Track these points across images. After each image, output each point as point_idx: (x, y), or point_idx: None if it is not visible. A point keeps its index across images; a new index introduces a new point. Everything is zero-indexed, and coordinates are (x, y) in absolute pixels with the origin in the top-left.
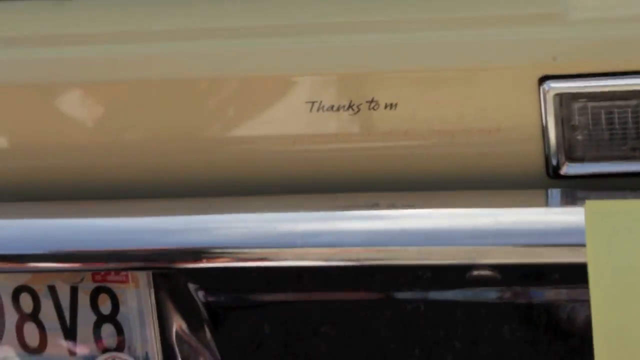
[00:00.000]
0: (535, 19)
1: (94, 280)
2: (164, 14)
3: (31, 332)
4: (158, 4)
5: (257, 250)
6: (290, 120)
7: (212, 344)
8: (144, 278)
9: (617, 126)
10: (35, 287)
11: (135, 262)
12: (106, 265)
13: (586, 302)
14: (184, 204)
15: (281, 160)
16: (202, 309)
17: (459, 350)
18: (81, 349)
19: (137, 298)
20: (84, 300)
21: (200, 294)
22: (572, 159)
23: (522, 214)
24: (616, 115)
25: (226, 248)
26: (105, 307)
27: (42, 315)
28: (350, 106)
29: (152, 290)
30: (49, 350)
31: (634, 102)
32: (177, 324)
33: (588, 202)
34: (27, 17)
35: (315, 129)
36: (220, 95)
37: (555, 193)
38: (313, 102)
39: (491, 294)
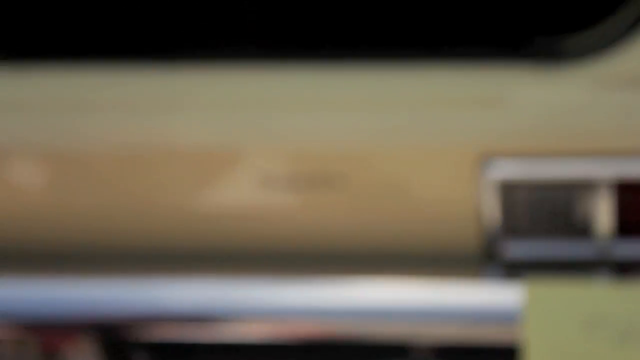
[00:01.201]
0: (475, 103)
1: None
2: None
3: None
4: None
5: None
6: (239, 195)
7: None
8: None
9: (556, 210)
10: None
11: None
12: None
13: None
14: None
15: (228, 233)
16: None
17: None
18: None
19: None
20: None
21: None
22: (510, 241)
23: (458, 292)
24: (555, 201)
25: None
26: None
27: None
28: (288, 182)
29: None
30: None
31: (572, 188)
32: None
33: (527, 284)
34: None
35: (253, 204)
36: (168, 168)
37: (493, 275)
38: (250, 176)
39: None
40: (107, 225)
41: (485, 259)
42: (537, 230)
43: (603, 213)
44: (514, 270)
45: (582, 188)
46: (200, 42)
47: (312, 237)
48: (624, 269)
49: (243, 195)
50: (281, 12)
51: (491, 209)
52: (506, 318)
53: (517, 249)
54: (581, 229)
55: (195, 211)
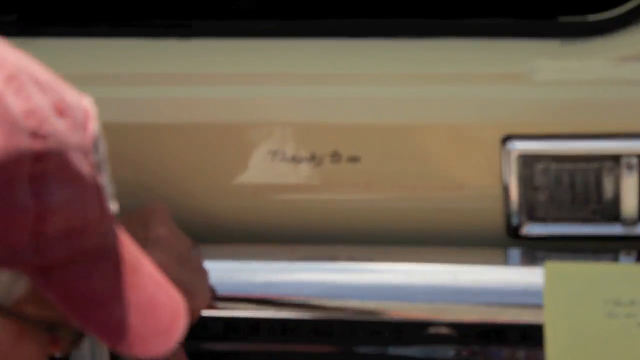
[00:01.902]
0: (500, 78)
1: None
2: None
3: None
4: None
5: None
6: (252, 170)
7: None
8: None
9: (579, 188)
10: None
11: None
12: None
13: None
14: None
15: (240, 209)
16: None
17: None
18: None
19: None
20: None
21: None
22: (533, 219)
23: (481, 272)
24: (578, 178)
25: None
26: None
27: None
28: (312, 158)
29: None
30: None
31: (595, 164)
32: None
33: (548, 263)
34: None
35: (277, 179)
36: (176, 141)
37: (514, 253)
38: (275, 152)
39: (448, 352)
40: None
41: (508, 238)
42: (562, 208)
43: (628, 189)
44: (536, 249)
45: (607, 164)
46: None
47: (334, 212)
48: None
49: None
50: None
51: (515, 186)
52: (527, 298)
53: (540, 228)
54: (606, 207)
55: (220, 183)
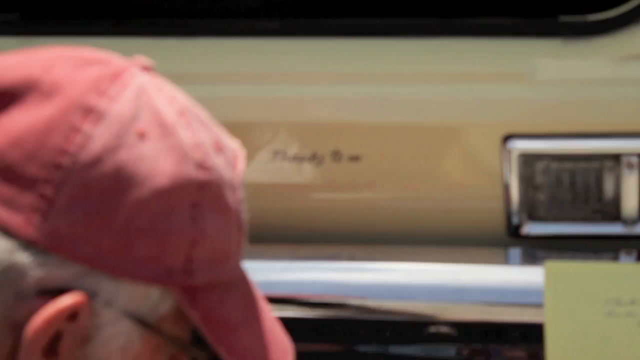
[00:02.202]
0: (501, 77)
1: None
2: None
3: None
4: None
5: None
6: (253, 169)
7: None
8: None
9: (579, 188)
10: None
11: None
12: None
13: None
14: None
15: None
16: None
17: None
18: None
19: None
20: None
21: None
22: (533, 218)
23: (482, 272)
24: (579, 177)
25: None
26: None
27: None
28: (314, 157)
29: None
30: None
31: (596, 164)
32: None
33: (548, 263)
34: None
35: (278, 178)
36: None
37: (515, 252)
38: (277, 151)
39: (450, 351)
40: None
41: (509, 237)
42: (562, 207)
43: (628, 189)
44: (537, 248)
45: (608, 163)
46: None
47: (335, 212)
48: None
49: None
50: None
51: (515, 185)
52: (528, 297)
53: (540, 227)
54: (606, 206)
55: None
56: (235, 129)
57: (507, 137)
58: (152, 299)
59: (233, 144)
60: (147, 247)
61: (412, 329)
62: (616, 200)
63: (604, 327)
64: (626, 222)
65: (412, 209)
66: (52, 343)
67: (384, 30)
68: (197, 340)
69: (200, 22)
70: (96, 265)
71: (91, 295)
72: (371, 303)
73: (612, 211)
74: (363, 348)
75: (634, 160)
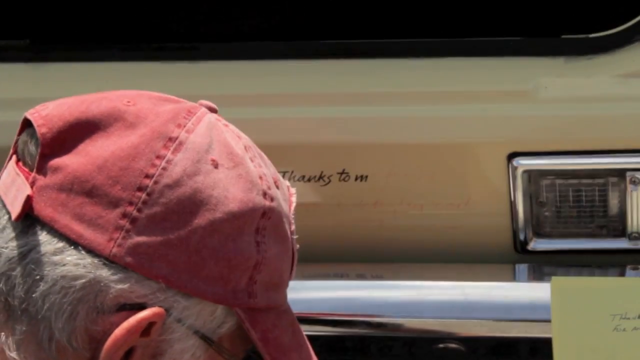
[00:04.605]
0: (505, 96)
1: None
2: None
3: None
4: None
5: None
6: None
7: None
8: None
9: (584, 204)
10: None
11: None
12: None
13: None
14: None
15: None
16: None
17: None
18: None
19: None
20: None
21: None
22: (539, 234)
23: (489, 288)
24: (583, 193)
25: None
26: None
27: None
28: (321, 177)
29: None
30: None
31: (600, 180)
32: None
33: (554, 279)
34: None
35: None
36: None
37: (522, 268)
38: (284, 172)
39: None
40: None
41: (516, 253)
42: (568, 223)
43: (634, 204)
44: (544, 264)
45: (612, 179)
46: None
47: (343, 230)
48: None
49: None
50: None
51: (521, 202)
52: (535, 313)
53: (547, 243)
54: (611, 222)
55: None
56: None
57: (512, 155)
58: (218, 318)
59: (287, 182)
60: (217, 267)
61: (421, 345)
62: (621, 216)
63: (611, 341)
64: (631, 237)
65: (420, 226)
66: (125, 358)
67: (390, 51)
68: None
69: (206, 45)
70: (171, 283)
71: (165, 310)
72: (380, 320)
73: (617, 226)
74: None
75: (639, 175)
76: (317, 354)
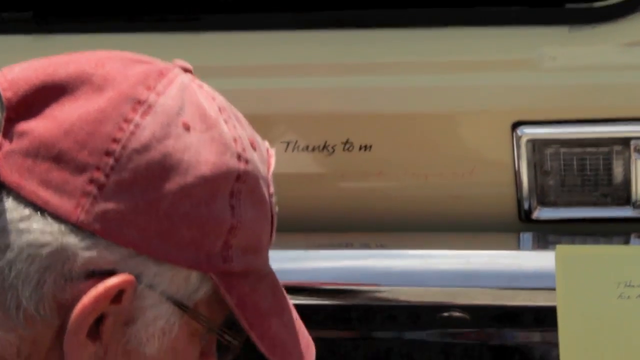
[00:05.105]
0: (509, 65)
1: None
2: None
3: None
4: None
5: None
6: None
7: None
8: None
9: (588, 172)
10: None
11: None
12: None
13: (557, 345)
14: None
15: None
16: None
17: None
18: None
19: None
20: None
21: None
22: (544, 203)
23: (494, 257)
24: (588, 162)
25: None
26: None
27: None
28: (325, 147)
29: None
30: None
31: (605, 149)
32: None
33: (559, 247)
34: None
35: (290, 169)
36: None
37: (526, 237)
38: (288, 142)
39: (463, 335)
40: None
41: (520, 222)
42: (572, 192)
43: (638, 172)
44: (548, 232)
45: (617, 148)
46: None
47: (347, 200)
48: None
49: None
50: None
51: (526, 171)
52: (540, 281)
53: (551, 212)
54: (616, 190)
55: None
56: (247, 120)
57: (517, 124)
58: (192, 283)
59: (265, 143)
60: (189, 232)
61: (426, 314)
62: (626, 184)
63: (615, 309)
64: (636, 205)
65: (424, 196)
66: (96, 325)
67: (394, 21)
68: (229, 327)
69: (210, 16)
70: (141, 249)
71: (135, 277)
72: (385, 289)
73: (621, 195)
74: (378, 334)
75: None
76: (321, 324)
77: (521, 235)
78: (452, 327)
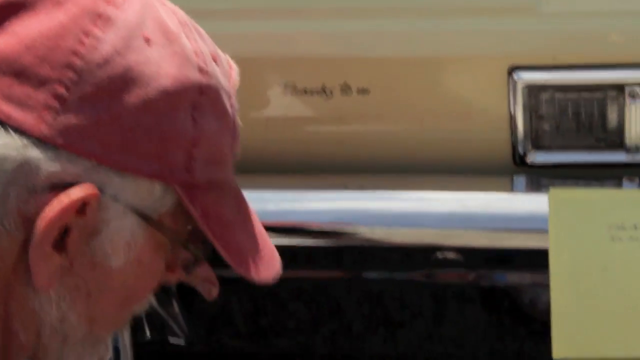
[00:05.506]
0: (506, 10)
1: None
2: None
3: None
4: None
5: None
6: (263, 103)
7: (180, 317)
8: None
9: (583, 117)
10: None
11: None
12: None
13: (548, 287)
14: None
15: (253, 141)
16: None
17: (423, 329)
18: None
19: None
20: None
21: None
22: (538, 147)
23: (488, 199)
24: (582, 107)
25: None
26: None
27: None
28: (323, 90)
29: None
30: None
31: (600, 94)
32: None
33: (552, 190)
34: None
35: (288, 111)
36: None
37: (520, 180)
38: (287, 85)
39: (455, 276)
40: None
41: (515, 166)
42: (566, 137)
43: (632, 118)
44: (542, 176)
45: (611, 93)
46: None
47: (344, 143)
48: None
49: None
50: None
51: (521, 116)
52: (533, 223)
53: (545, 156)
54: (610, 135)
55: None
56: (245, 63)
57: (513, 69)
58: (156, 195)
59: (227, 57)
60: (152, 144)
61: (420, 255)
62: (620, 129)
63: (607, 251)
64: (629, 150)
65: (420, 139)
66: (61, 238)
67: None
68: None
69: None
70: (104, 161)
71: (99, 189)
72: (380, 230)
73: (615, 140)
74: (372, 274)
75: (637, 90)
76: (315, 265)
77: (515, 178)
78: (446, 268)
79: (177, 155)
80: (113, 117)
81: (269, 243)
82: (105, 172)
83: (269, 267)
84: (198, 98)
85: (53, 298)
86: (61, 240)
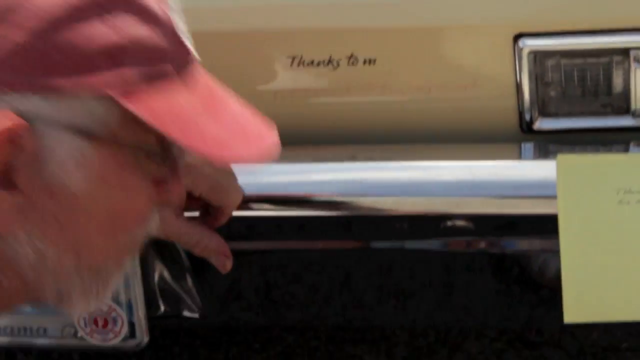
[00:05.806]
0: None
1: None
2: None
3: None
4: None
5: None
6: (271, 75)
7: (194, 291)
8: None
9: (589, 83)
10: None
11: None
12: None
13: (557, 253)
14: None
15: (262, 114)
16: (184, 256)
17: (433, 298)
18: None
19: None
20: None
21: None
22: (545, 114)
23: (496, 166)
24: (588, 73)
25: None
26: None
27: None
28: (329, 61)
29: None
30: None
31: (605, 59)
32: (160, 271)
33: (560, 156)
34: None
35: (295, 83)
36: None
37: (528, 147)
38: (293, 57)
39: (465, 243)
40: None
41: (522, 133)
42: (573, 103)
43: (637, 82)
44: (549, 143)
45: (616, 58)
46: None
47: (352, 114)
48: None
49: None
50: None
51: (527, 83)
52: (541, 190)
53: (552, 122)
54: (616, 100)
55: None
56: (251, 36)
57: (518, 36)
58: (94, 110)
59: None
60: (70, 60)
61: (429, 223)
62: (625, 94)
63: (615, 215)
64: (635, 114)
65: (428, 109)
66: (8, 176)
67: None
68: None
69: None
70: (23, 88)
71: (29, 117)
72: (389, 200)
73: (621, 104)
74: (381, 244)
75: None
76: (324, 235)
77: (523, 145)
78: (455, 235)
79: (97, 63)
80: (17, 44)
81: (253, 120)
82: (28, 99)
83: (258, 143)
84: (105, 4)
85: (23, 238)
86: (10, 178)
